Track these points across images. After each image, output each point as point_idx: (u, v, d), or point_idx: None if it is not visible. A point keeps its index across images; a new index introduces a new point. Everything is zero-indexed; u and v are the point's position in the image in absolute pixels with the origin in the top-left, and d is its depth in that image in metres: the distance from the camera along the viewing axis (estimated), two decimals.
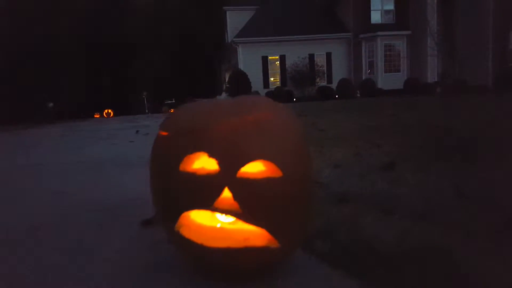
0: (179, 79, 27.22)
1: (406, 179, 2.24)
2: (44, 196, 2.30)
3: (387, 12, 21.33)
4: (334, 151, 3.32)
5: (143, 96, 16.33)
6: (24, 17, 20.05)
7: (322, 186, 2.15)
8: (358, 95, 20.27)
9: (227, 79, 23.99)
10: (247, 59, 20.85)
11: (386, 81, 20.56)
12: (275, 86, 21.17)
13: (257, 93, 20.31)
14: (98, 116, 13.91)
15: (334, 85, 20.45)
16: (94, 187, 2.46)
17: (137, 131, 4.42)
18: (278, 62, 21.62)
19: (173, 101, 24.23)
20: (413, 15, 20.68)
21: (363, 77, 20.90)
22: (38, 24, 20.01)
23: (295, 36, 20.99)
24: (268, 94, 20.27)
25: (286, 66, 21.17)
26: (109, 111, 8.14)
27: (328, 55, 21.49)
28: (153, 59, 27.57)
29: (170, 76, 27.34)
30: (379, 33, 20.39)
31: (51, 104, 19.21)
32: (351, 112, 7.88)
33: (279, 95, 20.10)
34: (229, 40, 22.47)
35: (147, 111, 16.32)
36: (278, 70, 21.50)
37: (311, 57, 21.39)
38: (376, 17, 21.22)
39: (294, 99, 20.18)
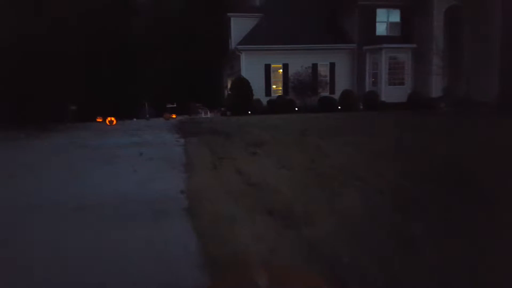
0: (180, 83, 27.05)
1: (423, 255, 2.01)
2: None
3: (392, 24, 21.20)
4: (343, 199, 3.07)
5: (144, 103, 16.12)
6: (29, 17, 19.90)
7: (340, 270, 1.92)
8: (361, 107, 20.10)
9: (229, 86, 23.79)
10: (250, 67, 20.68)
11: (389, 93, 20.39)
12: (277, 95, 20.98)
13: (258, 101, 20.14)
14: (100, 120, 13.59)
15: (336, 96, 20.28)
16: (80, 264, 1.78)
17: (140, 154, 4.11)
18: (281, 71, 21.45)
19: (175, 105, 23.99)
20: (418, 29, 20.54)
21: (367, 89, 20.73)
22: (41, 24, 19.87)
23: (299, 45, 20.83)
24: (270, 103, 20.11)
25: (289, 75, 21.00)
26: (112, 119, 7.78)
27: (332, 65, 21.32)
28: (155, 63, 27.41)
29: (172, 80, 27.17)
30: (384, 45, 20.25)
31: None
32: (356, 131, 7.67)
33: (281, 104, 19.94)
34: (233, 47, 22.29)
35: (147, 116, 16.09)
36: (281, 79, 21.33)
37: (314, 66, 21.23)
38: (381, 29, 21.09)
39: (296, 109, 20.00)
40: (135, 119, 18.26)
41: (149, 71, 27.20)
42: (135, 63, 27.16)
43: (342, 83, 20.95)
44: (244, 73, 20.69)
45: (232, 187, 2.57)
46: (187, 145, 4.69)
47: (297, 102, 20.26)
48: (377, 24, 21.05)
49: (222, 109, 21.80)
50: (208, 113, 21.10)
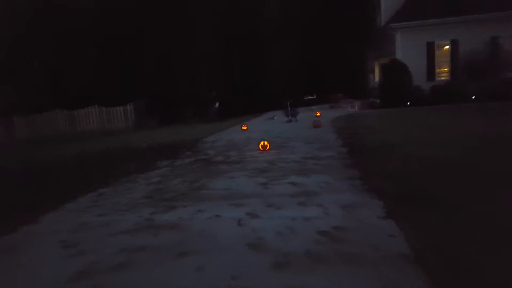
0: (317, 70, 24.57)
1: None
2: None
3: None
4: None
5: (286, 102, 14.14)
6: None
7: None
8: None
9: (376, 70, 20.53)
10: (407, 46, 17.11)
11: None
12: (442, 79, 17.07)
13: (418, 88, 16.61)
14: (245, 128, 12.04)
15: None
16: None
17: None
18: (447, 48, 17.35)
19: (314, 96, 21.80)
20: None
21: None
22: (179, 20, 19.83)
23: (473, 16, 16.38)
24: (434, 90, 16.42)
25: (459, 53, 16.77)
26: (266, 143, 6.10)
27: None
28: (287, 48, 25.35)
29: (307, 67, 24.85)
30: None
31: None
32: None
33: (449, 91, 16.07)
34: (383, 23, 18.90)
35: (289, 117, 14.02)
36: (448, 59, 17.24)
37: (494, 40, 16.53)
38: None
39: (473, 97, 15.85)
40: (275, 117, 16.59)
41: (283, 58, 25.34)
42: (267, 52, 25.60)
43: None
44: (400, 54, 17.25)
45: None
46: None
47: (471, 87, 16.04)
48: None
49: (371, 99, 18.76)
50: (356, 105, 18.30)
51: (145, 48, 20.05)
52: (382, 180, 4.40)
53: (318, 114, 14.95)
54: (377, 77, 20.28)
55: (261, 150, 7.15)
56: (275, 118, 16.28)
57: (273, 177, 4.95)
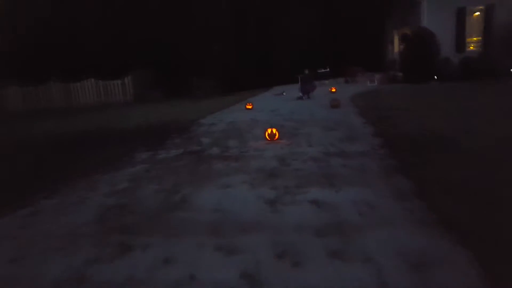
0: (333, 40, 22.53)
1: None
2: None
3: None
4: None
5: (305, 72, 12.22)
6: None
7: None
8: None
9: (395, 41, 18.52)
10: (435, 13, 15.05)
11: None
12: (474, 50, 15.15)
13: (447, 61, 14.77)
14: (250, 107, 10.30)
15: None
16: None
17: None
18: (478, 14, 15.31)
19: (327, 69, 19.89)
20: None
21: None
22: None
23: None
24: (464, 62, 14.58)
25: (494, 21, 14.74)
26: (274, 131, 4.89)
27: None
28: (299, 15, 23.27)
29: (321, 38, 22.81)
30: None
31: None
32: None
33: (482, 64, 14.19)
34: None
35: (301, 94, 12.09)
36: (481, 28, 15.21)
37: None
38: None
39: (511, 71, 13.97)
40: (284, 93, 14.87)
41: (294, 29, 23.25)
42: (279, 21, 23.53)
43: None
44: (426, 22, 15.27)
45: None
46: None
47: (507, 61, 14.13)
48: None
49: (391, 73, 16.87)
50: (375, 80, 16.43)
51: (147, 16, 18.34)
52: (454, 201, 2.86)
53: (334, 90, 13.25)
54: (396, 48, 18.33)
55: (268, 139, 5.60)
56: (284, 94, 14.58)
57: (285, 189, 3.42)
